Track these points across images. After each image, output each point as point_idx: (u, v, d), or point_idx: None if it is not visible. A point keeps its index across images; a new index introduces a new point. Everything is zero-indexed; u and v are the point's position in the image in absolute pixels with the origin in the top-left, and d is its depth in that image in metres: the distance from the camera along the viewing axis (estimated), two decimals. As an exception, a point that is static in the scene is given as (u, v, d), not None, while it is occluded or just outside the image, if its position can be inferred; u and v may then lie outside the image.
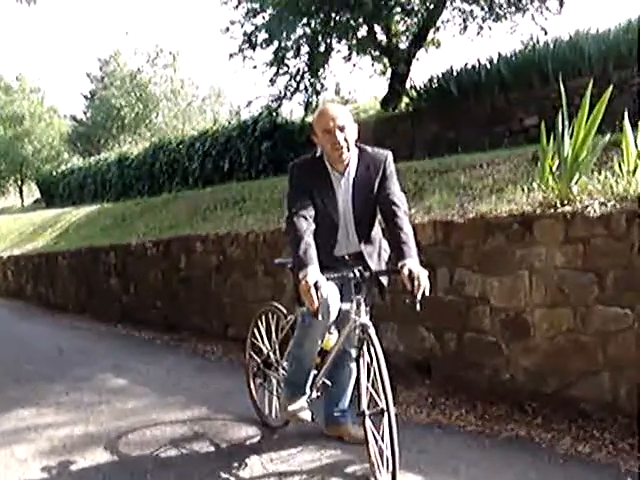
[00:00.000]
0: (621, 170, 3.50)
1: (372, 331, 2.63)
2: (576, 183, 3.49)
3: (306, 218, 2.68)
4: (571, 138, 3.54)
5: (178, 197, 10.09)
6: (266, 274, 5.55)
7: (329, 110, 2.74)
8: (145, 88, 25.77)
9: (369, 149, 2.87)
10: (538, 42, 8.82)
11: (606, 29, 7.95)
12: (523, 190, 3.89)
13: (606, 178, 3.49)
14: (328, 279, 2.55)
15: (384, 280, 2.92)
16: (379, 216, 2.90)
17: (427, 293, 2.49)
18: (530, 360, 3.47)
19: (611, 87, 3.54)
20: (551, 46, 8.18)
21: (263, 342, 3.63)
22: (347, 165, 2.81)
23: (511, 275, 3.54)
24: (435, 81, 9.41)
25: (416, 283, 2.46)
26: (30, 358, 5.95)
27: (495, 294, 3.63)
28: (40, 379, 5.03)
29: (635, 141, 3.42)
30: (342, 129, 2.71)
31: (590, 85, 3.50)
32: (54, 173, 20.04)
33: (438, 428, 3.37)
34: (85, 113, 29.91)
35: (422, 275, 2.48)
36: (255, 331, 3.70)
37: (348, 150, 2.75)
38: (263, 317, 3.67)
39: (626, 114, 3.46)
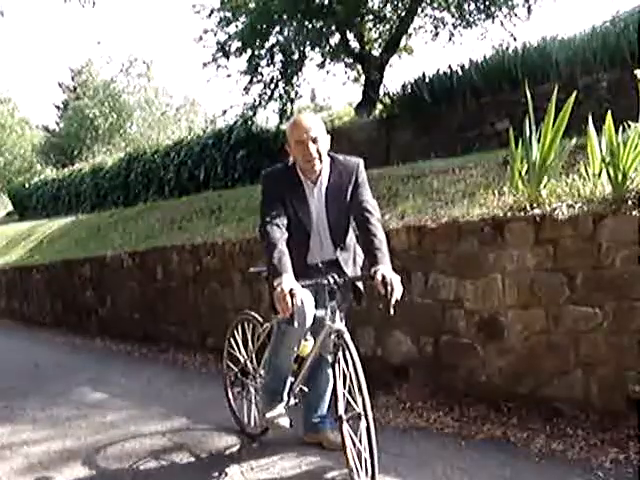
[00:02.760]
0: (587, 173, 3.59)
1: (347, 336, 2.66)
2: (545, 186, 3.57)
3: (279, 227, 2.71)
4: (539, 142, 3.62)
5: (154, 207, 10.02)
6: (243, 283, 5.55)
7: (302, 121, 2.78)
8: (119, 98, 25.54)
9: (341, 158, 2.91)
10: (508, 48, 8.98)
11: (572, 35, 8.13)
12: (494, 194, 3.94)
13: (573, 181, 3.57)
14: (303, 286, 2.58)
15: (361, 286, 2.95)
16: (353, 223, 2.94)
17: (399, 298, 2.53)
18: (505, 361, 3.52)
19: (575, 92, 3.63)
20: (520, 52, 8.33)
21: (240, 351, 3.63)
22: (319, 174, 2.85)
23: (484, 278, 3.59)
24: (408, 87, 9.50)
25: (389, 288, 2.50)
26: (4, 373, 5.86)
27: (469, 297, 3.68)
28: (15, 395, 4.96)
29: (600, 145, 3.51)
30: (315, 140, 2.75)
31: (556, 90, 3.58)
32: (27, 185, 19.72)
33: (416, 431, 3.40)
34: (58, 124, 29.54)
35: (395, 280, 2.53)
36: (232, 340, 3.70)
37: (320, 161, 2.79)
38: (239, 326, 3.67)
39: (590, 119, 3.55)
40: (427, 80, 9.22)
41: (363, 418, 2.56)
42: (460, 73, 8.79)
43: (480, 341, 3.64)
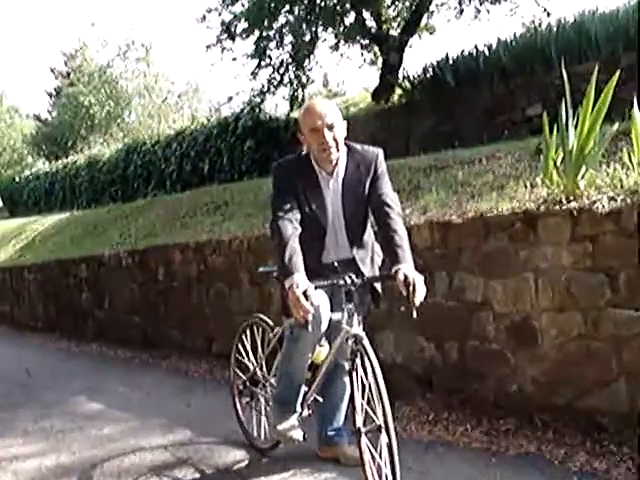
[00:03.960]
0: (631, 162, 3.53)
1: (366, 342, 2.64)
2: (582, 177, 3.52)
3: (291, 222, 2.69)
4: (576, 128, 3.57)
5: (154, 202, 10.06)
6: (252, 283, 5.56)
7: (316, 107, 2.76)
8: (116, 84, 25.65)
9: (359, 147, 2.89)
10: (540, 25, 8.88)
11: (614, 9, 7.98)
12: (526, 186, 3.91)
13: (615, 171, 3.53)
14: (317, 287, 2.56)
15: (378, 287, 2.93)
16: (371, 218, 2.92)
17: (423, 299, 2.51)
18: (538, 369, 3.48)
19: (619, 72, 3.56)
20: (554, 29, 8.23)
21: (249, 358, 3.63)
22: (336, 165, 2.83)
23: (515, 278, 3.56)
24: (430, 70, 9.45)
25: (411, 289, 2.47)
26: (-6, 382, 5.91)
27: (498, 299, 3.65)
28: (5, 405, 4.99)
29: (645, 130, 3.45)
30: (330, 128, 2.73)
31: (596, 70, 3.52)
32: (17, 179, 19.91)
33: (441, 446, 3.38)
34: (50, 112, 29.74)
35: (418, 280, 2.50)
36: (240, 346, 3.70)
37: (337, 150, 2.77)
38: (248, 330, 3.67)
39: (635, 101, 3.49)
40: (451, 62, 9.16)
41: (384, 431, 2.53)
42: (487, 54, 8.73)
43: (511, 347, 3.60)
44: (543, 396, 3.46)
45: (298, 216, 2.75)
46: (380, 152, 2.90)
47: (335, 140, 2.75)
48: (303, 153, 2.89)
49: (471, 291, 3.79)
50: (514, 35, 8.72)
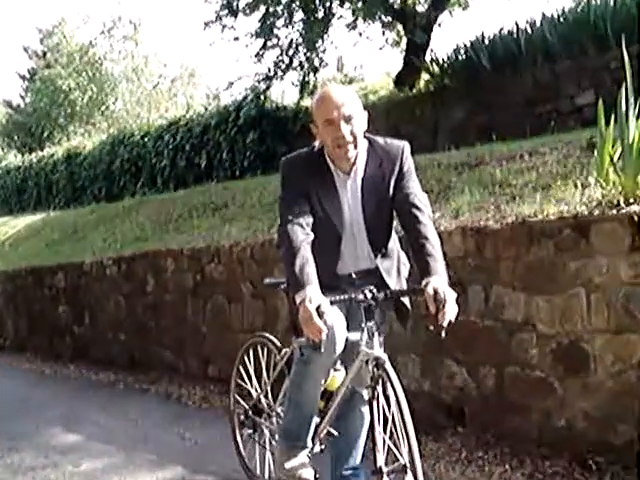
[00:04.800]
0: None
1: (389, 366, 2.62)
2: (644, 176, 3.50)
3: (302, 227, 2.68)
4: (638, 119, 3.55)
5: (144, 202, 10.12)
6: (255, 297, 5.56)
7: (332, 95, 2.74)
8: (99, 66, 25.85)
9: (381, 140, 2.87)
10: (595, -3, 8.80)
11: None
12: (576, 186, 3.90)
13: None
14: (332, 302, 2.55)
15: (406, 302, 2.91)
16: (396, 223, 2.90)
17: (453, 318, 2.49)
18: (591, 401, 3.45)
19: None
20: (611, 2, 8.17)
21: (252, 383, 3.62)
22: (354, 162, 2.81)
23: (563, 293, 3.54)
24: (462, 52, 9.43)
25: (441, 306, 2.45)
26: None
27: (543, 318, 3.63)
28: (-33, 437, 5.01)
29: None
30: (348, 120, 2.71)
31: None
32: (-15, 174, 20.09)
33: (475, 489, 3.35)
34: (23, 98, 29.93)
35: (449, 296, 2.48)
36: (241, 369, 3.70)
37: (355, 145, 2.75)
38: (251, 351, 3.67)
39: None
40: (486, 42, 9.14)
41: (409, 472, 2.51)
42: (530, 32, 8.70)
43: (558, 375, 3.58)
44: (597, 433, 3.42)
45: (310, 220, 2.73)
46: (406, 146, 2.89)
47: (353, 134, 2.73)
48: (316, 148, 2.88)
49: (511, 309, 3.77)
50: (562, 10, 8.66)
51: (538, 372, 3.66)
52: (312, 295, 2.46)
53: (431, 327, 2.52)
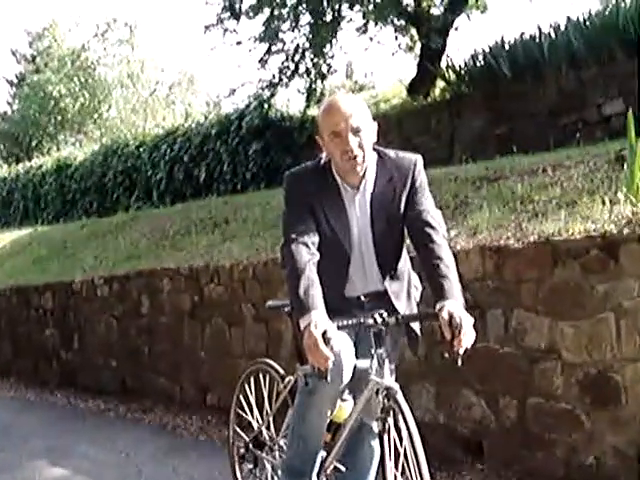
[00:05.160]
0: None
1: (400, 397, 2.61)
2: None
3: (308, 246, 2.68)
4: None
5: (138, 217, 10.14)
6: (258, 320, 5.57)
7: (339, 105, 2.75)
8: (92, 71, 26.05)
9: (392, 153, 2.88)
10: (624, -1, 8.82)
11: None
12: (604, 203, 3.90)
13: None
14: (339, 328, 2.55)
15: (416, 327, 2.91)
16: (407, 242, 2.91)
17: (470, 345, 2.49)
18: (622, 436, 3.43)
19: None
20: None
21: (252, 413, 3.62)
22: (363, 177, 2.82)
23: (590, 319, 3.54)
24: (480, 58, 9.49)
25: (457, 332, 2.45)
26: None
27: (568, 345, 3.62)
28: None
29: None
30: (357, 131, 2.72)
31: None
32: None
33: (494, 531, 3.33)
34: (10, 105, 30.16)
35: (465, 321, 2.48)
36: (242, 398, 3.69)
37: (364, 159, 2.76)
38: (252, 379, 3.66)
39: None
40: (507, 47, 9.20)
41: (422, 511, 2.50)
42: (553, 37, 8.74)
43: (585, 407, 3.56)
44: (629, 471, 3.40)
45: (316, 239, 2.74)
46: (419, 159, 2.90)
47: (362, 147, 2.74)
48: (322, 161, 2.89)
49: (533, 335, 3.76)
50: (588, 13, 8.69)
51: (563, 404, 3.65)
52: (318, 320, 2.46)
53: (446, 354, 2.51)
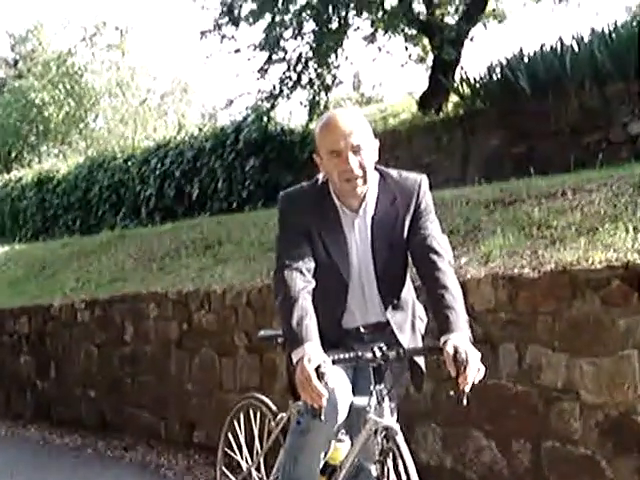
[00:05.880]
0: None
1: (400, 438, 2.61)
2: None
3: (302, 273, 2.69)
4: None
5: (124, 237, 10.14)
6: (250, 351, 5.56)
7: (338, 122, 2.77)
8: (79, 78, 26.16)
9: (394, 174, 2.89)
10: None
11: None
12: (627, 230, 3.91)
13: None
14: (335, 362, 2.55)
15: (421, 362, 2.91)
16: (412, 270, 2.91)
17: (477, 382, 2.49)
18: (645, 485, 3.42)
19: None
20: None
21: (242, 453, 3.61)
22: (363, 199, 2.83)
23: (612, 356, 3.53)
24: (498, 71, 9.52)
25: (462, 368, 2.45)
26: None
27: (588, 384, 3.62)
28: None
29: None
30: (357, 150, 2.74)
31: None
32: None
33: None
34: (-11, 111, 30.37)
35: (471, 356, 2.48)
36: (230, 436, 3.69)
37: (365, 180, 2.77)
38: (242, 415, 3.66)
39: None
40: (526, 60, 9.23)
41: None
42: (576, 49, 8.78)
43: (606, 453, 3.55)
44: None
45: (312, 265, 2.75)
46: (424, 179, 2.91)
47: (363, 167, 2.75)
48: (320, 181, 2.90)
49: (549, 372, 3.76)
50: (614, 24, 8.73)
51: (582, 449, 3.63)
52: (311, 353, 2.46)
53: (451, 392, 2.51)
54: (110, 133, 25.64)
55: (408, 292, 2.98)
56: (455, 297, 2.66)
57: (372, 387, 2.67)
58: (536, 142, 8.40)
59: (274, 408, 3.49)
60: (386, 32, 11.93)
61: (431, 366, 3.04)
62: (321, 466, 2.94)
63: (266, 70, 11.72)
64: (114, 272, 8.26)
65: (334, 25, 11.28)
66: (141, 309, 6.67)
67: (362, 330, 2.88)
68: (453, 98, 10.45)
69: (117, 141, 22.30)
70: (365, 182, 2.78)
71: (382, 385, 2.67)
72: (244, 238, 7.38)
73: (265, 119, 11.58)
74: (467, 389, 2.47)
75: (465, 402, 2.47)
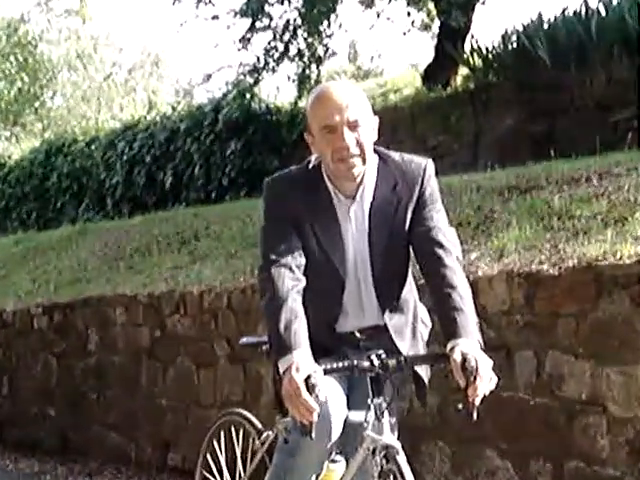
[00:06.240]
0: None
1: (402, 458, 2.62)
2: None
3: (291, 270, 2.69)
4: None
5: (87, 231, 10.13)
6: (232, 360, 5.57)
7: (332, 94, 2.77)
8: (34, 49, 26.09)
9: (396, 156, 2.90)
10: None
11: None
12: (660, 220, 3.93)
13: None
14: (327, 372, 2.55)
15: (424, 372, 2.92)
16: (414, 266, 2.93)
17: (488, 393, 2.50)
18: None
19: None
20: None
21: (222, 476, 3.62)
22: (360, 183, 2.83)
23: (642, 363, 3.55)
24: (513, 39, 9.53)
25: (472, 378, 2.46)
26: None
27: (616, 396, 3.63)
28: None
29: None
30: (354, 126, 2.74)
31: None
32: None
33: None
34: None
35: (482, 365, 2.49)
36: (209, 457, 3.69)
37: (363, 161, 2.77)
38: (223, 434, 3.66)
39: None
40: (545, 26, 9.23)
41: None
42: (603, 13, 8.78)
43: (637, 473, 3.56)
44: None
45: (302, 261, 2.74)
46: (429, 164, 2.90)
47: (360, 145, 2.75)
48: (311, 164, 2.90)
49: (572, 382, 3.77)
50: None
51: (610, 469, 3.64)
52: (300, 361, 2.46)
53: (459, 406, 2.53)
54: (70, 113, 25.59)
55: (409, 292, 2.97)
56: (464, 297, 2.66)
57: (370, 400, 2.67)
58: (557, 120, 8.42)
59: (259, 425, 3.49)
60: (385, -5, 11.93)
61: (438, 376, 3.05)
62: (312, 490, 2.96)
63: (249, 40, 11.70)
64: (76, 272, 8.25)
65: (326, -12, 11.26)
66: (107, 314, 6.66)
67: (358, 335, 2.88)
68: (462, 70, 10.45)
69: (78, 122, 22.25)
70: (364, 162, 2.77)
71: (381, 398, 2.67)
72: (225, 232, 7.38)
73: (248, 96, 11.59)
74: (478, 402, 2.48)
75: (476, 417, 2.47)
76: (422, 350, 2.97)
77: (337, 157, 2.75)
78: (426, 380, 2.92)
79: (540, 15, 9.47)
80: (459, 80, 10.45)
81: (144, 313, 6.34)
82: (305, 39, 11.62)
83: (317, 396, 2.43)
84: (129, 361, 6.43)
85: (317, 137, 2.79)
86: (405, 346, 2.88)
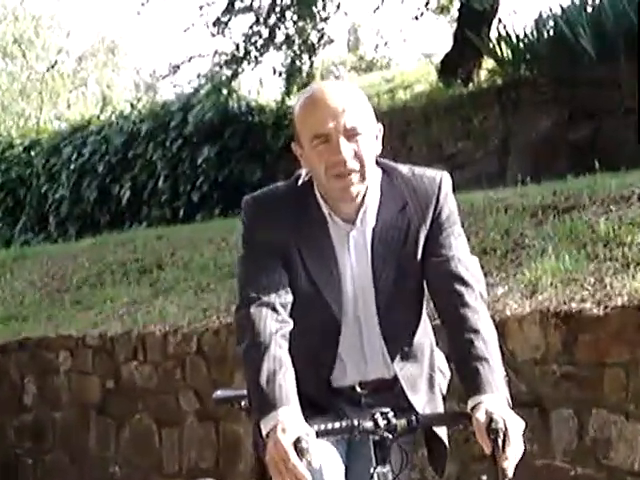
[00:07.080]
0: None
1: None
2: None
3: (275, 310, 2.67)
4: None
5: (25, 257, 10.14)
6: (202, 418, 5.58)
7: (326, 96, 2.76)
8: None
9: (404, 170, 2.89)
10: None
11: None
12: None
13: None
14: (321, 434, 2.55)
15: (443, 434, 2.92)
16: (429, 304, 2.92)
17: (518, 459, 2.50)
18: None
19: None
20: None
21: None
22: (361, 205, 2.84)
23: None
24: (550, 25, 9.58)
25: (500, 442, 2.46)
26: None
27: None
28: None
29: None
30: (351, 134, 2.72)
31: None
32: None
33: None
34: None
35: (512, 427, 2.49)
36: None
37: (363, 177, 2.77)
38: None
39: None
40: (589, 9, 9.29)
41: None
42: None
43: None
44: None
45: (289, 299, 2.72)
46: (445, 178, 2.89)
47: (359, 158, 2.72)
48: (301, 180, 2.90)
49: (622, 448, 3.78)
50: None
51: None
52: (287, 421, 2.46)
53: (484, 478, 2.53)
54: (5, 110, 25.65)
55: (424, 335, 2.97)
56: (488, 343, 2.66)
57: (372, 469, 2.68)
58: (603, 124, 8.45)
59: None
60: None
61: (456, 440, 3.05)
62: None
63: (226, 23, 11.76)
64: (9, 307, 8.24)
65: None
66: (48, 359, 6.67)
67: (358, 389, 2.87)
68: (487, 63, 10.50)
69: (15, 122, 22.29)
70: (363, 179, 2.76)
71: (387, 467, 2.67)
72: (195, 259, 7.39)
73: (225, 92, 11.62)
74: (510, 473, 2.48)
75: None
76: (440, 406, 2.95)
77: (332, 173, 2.71)
78: (447, 444, 2.92)
79: (581, -2, 9.55)
80: (483, 75, 10.50)
81: (94, 359, 6.34)
82: (295, 23, 11.67)
83: (309, 463, 2.42)
84: (74, 418, 6.43)
85: (307, 148, 2.75)
86: (420, 402, 2.87)
